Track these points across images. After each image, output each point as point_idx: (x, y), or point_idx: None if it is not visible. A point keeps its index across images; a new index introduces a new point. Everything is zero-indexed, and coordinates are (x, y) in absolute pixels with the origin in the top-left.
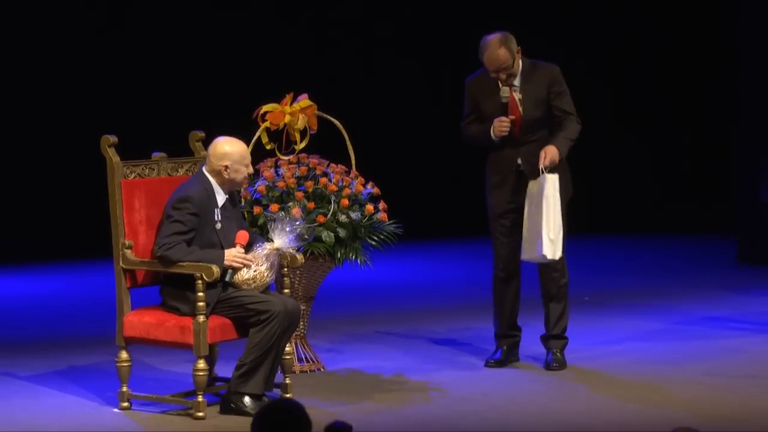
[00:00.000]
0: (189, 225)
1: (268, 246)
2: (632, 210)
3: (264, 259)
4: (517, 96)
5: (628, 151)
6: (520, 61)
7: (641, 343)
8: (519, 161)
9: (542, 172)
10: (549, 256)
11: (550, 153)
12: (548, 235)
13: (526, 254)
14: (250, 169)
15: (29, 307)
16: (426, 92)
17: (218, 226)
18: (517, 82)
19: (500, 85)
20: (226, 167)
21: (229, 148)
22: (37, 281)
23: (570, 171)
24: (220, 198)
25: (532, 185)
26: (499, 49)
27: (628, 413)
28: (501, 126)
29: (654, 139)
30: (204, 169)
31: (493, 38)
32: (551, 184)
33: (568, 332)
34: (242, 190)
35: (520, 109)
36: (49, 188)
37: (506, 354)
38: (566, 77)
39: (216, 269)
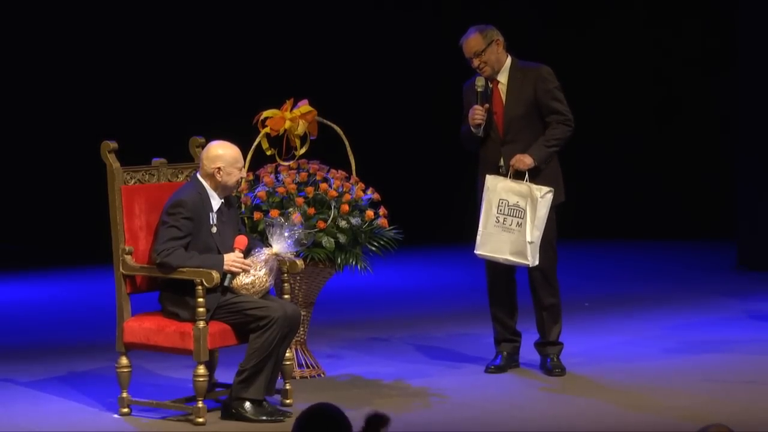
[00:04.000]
0: (185, 230)
1: (266, 251)
2: (632, 215)
3: (263, 264)
4: (502, 94)
5: (628, 155)
6: (509, 58)
7: (641, 348)
8: (501, 161)
9: (518, 178)
10: (533, 263)
11: (518, 156)
12: (529, 241)
13: (491, 251)
14: (243, 173)
15: (30, 313)
16: (426, 98)
17: (213, 230)
18: (503, 79)
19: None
20: (219, 169)
21: (221, 151)
22: (37, 287)
23: (563, 177)
24: (215, 202)
25: (515, 186)
26: (472, 34)
27: (628, 419)
28: (474, 114)
29: (653, 143)
30: (198, 175)
31: (473, 27)
32: (546, 203)
33: (567, 338)
34: (242, 195)
35: (503, 103)
36: (49, 194)
37: (506, 360)
38: (564, 80)
39: (216, 275)
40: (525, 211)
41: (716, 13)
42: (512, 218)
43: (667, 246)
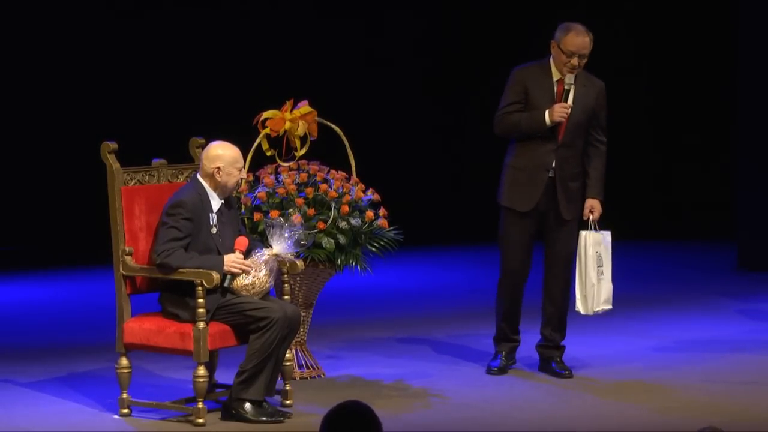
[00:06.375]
0: (184, 230)
1: (266, 252)
2: (631, 216)
3: (263, 264)
4: (570, 95)
5: (627, 157)
6: None
7: (641, 349)
8: (553, 164)
9: (594, 228)
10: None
11: (597, 210)
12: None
13: (601, 304)
14: (243, 174)
15: (29, 314)
16: (427, 99)
17: (213, 230)
18: (573, 81)
19: (554, 74)
20: (219, 169)
21: (221, 151)
22: (37, 288)
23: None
24: (215, 203)
25: (597, 237)
26: (587, 34)
27: (628, 419)
28: (563, 110)
29: (653, 145)
30: (198, 175)
31: (580, 24)
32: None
33: (568, 338)
34: (242, 196)
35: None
36: (49, 195)
37: (506, 359)
38: None
39: (216, 276)
40: (602, 258)
41: (717, 13)
42: (600, 268)
43: (667, 247)
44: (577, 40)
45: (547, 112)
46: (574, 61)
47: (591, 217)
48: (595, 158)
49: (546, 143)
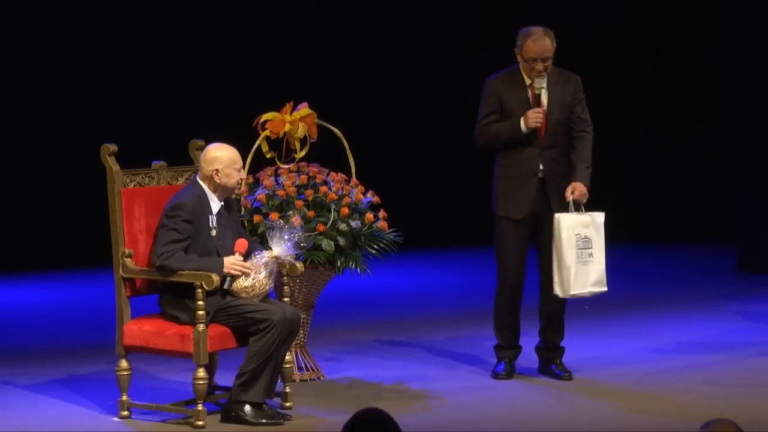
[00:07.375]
0: (184, 233)
1: (266, 254)
2: (631, 217)
3: (263, 267)
4: (544, 98)
5: (627, 158)
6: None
7: (640, 351)
8: (540, 166)
9: (580, 210)
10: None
11: (578, 189)
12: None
13: (579, 288)
14: (243, 174)
15: (29, 316)
16: (426, 101)
17: (213, 232)
18: (544, 84)
19: (526, 79)
20: (217, 171)
21: (219, 153)
22: (36, 290)
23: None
24: (215, 205)
25: (581, 218)
26: (546, 36)
27: (628, 422)
28: (536, 116)
29: (653, 146)
30: (197, 178)
31: (539, 27)
32: (602, 226)
33: (566, 341)
34: (242, 198)
35: (545, 108)
36: (48, 197)
37: (510, 366)
38: None
39: (216, 278)
40: (591, 240)
41: (717, 14)
42: (585, 250)
43: (667, 249)
44: (535, 46)
45: (522, 119)
46: (538, 66)
47: (572, 198)
48: (579, 145)
49: (530, 147)
